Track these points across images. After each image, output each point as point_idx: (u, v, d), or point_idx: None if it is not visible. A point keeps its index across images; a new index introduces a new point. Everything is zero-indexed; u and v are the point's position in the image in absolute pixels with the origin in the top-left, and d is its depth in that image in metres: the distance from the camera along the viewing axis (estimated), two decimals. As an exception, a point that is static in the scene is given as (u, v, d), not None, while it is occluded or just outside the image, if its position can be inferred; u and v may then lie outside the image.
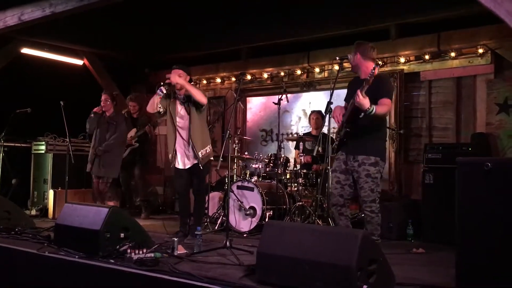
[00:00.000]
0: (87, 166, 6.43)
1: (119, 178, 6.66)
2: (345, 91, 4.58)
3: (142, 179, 7.31)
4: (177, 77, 5.02)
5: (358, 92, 3.90)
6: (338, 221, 4.34)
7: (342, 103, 4.56)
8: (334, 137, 4.59)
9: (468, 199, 2.88)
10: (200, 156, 5.05)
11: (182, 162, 5.14)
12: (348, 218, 4.40)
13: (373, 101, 3.99)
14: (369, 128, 4.19)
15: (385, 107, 4.08)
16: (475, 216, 2.83)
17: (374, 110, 3.94)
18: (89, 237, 3.96)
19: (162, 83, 5.02)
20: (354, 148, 4.23)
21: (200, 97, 5.00)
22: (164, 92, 4.98)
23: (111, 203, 6.21)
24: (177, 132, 5.14)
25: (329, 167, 4.37)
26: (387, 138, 6.30)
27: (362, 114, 4.01)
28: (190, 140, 5.05)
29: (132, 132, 7.21)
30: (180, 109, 5.16)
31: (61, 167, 6.91)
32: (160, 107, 5.14)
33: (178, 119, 5.15)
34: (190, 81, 5.25)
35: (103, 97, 6.44)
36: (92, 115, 6.37)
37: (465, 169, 2.94)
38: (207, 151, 5.17)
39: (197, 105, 5.08)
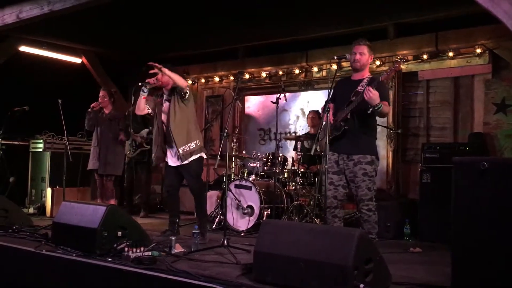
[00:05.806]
0: (89, 163, 6.43)
1: (121, 176, 6.68)
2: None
3: (147, 180, 7.33)
4: (157, 71, 4.88)
5: (370, 88, 3.94)
6: (332, 224, 4.30)
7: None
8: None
9: (464, 199, 2.88)
10: (181, 152, 4.86)
11: (170, 158, 5.05)
12: (341, 220, 4.40)
13: None
14: (365, 127, 4.23)
15: (388, 107, 4.21)
16: (471, 215, 2.84)
17: (382, 106, 4.01)
18: (86, 235, 3.96)
19: (140, 83, 4.97)
20: (348, 147, 4.24)
21: (179, 81, 4.86)
22: (147, 89, 4.93)
23: (112, 202, 6.21)
24: (162, 130, 5.03)
25: (326, 166, 4.37)
26: (385, 138, 6.37)
27: (370, 109, 4.04)
28: (171, 136, 4.89)
29: (144, 133, 7.17)
30: (165, 107, 5.05)
31: (59, 165, 6.89)
32: (148, 108, 5.09)
33: (162, 115, 5.05)
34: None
35: (101, 93, 6.45)
36: (90, 109, 6.38)
37: (461, 168, 2.93)
38: (191, 147, 4.94)
39: (181, 94, 4.93)
